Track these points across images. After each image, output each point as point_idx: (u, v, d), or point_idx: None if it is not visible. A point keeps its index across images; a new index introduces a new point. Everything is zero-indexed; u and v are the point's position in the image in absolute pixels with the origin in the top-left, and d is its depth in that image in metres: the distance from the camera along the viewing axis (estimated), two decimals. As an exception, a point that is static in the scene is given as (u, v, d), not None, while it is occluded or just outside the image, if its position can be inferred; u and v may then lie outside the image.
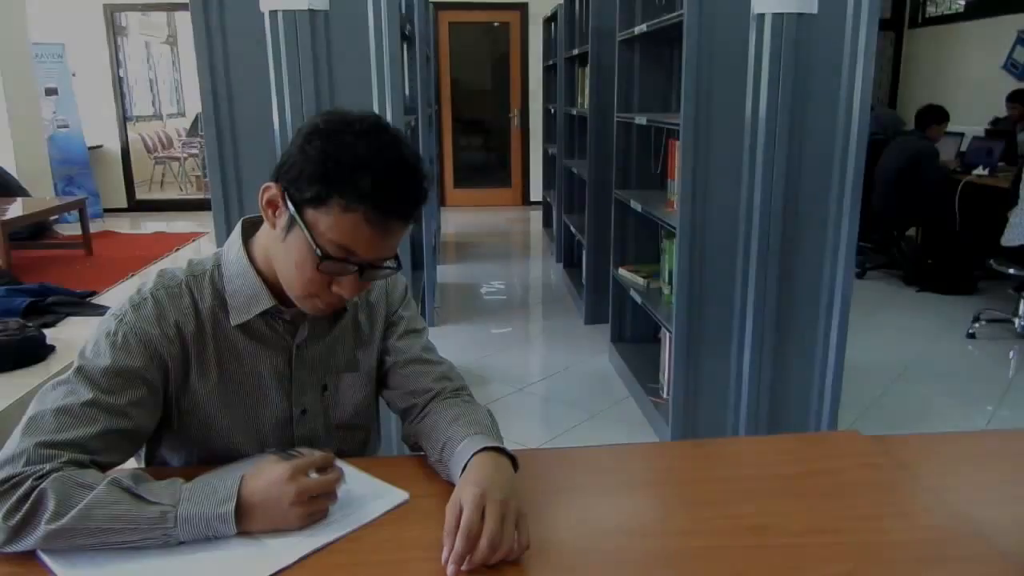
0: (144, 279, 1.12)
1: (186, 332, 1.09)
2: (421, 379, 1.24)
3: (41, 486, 0.91)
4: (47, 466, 0.93)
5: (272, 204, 1.04)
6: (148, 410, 1.07)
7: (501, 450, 1.06)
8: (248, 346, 1.13)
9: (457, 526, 0.92)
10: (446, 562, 0.90)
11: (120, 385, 1.02)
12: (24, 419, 0.99)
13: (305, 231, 1.00)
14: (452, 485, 1.03)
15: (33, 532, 0.90)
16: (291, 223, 1.02)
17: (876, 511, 1.06)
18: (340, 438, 1.25)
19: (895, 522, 1.04)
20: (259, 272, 1.11)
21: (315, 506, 0.99)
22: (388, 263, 1.07)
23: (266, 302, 1.11)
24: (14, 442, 0.96)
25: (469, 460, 1.03)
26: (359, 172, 0.97)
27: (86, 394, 1.00)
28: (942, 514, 1.05)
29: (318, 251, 1.00)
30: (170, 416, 1.12)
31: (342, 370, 1.23)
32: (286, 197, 1.02)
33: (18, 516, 0.90)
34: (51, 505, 0.90)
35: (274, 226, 1.05)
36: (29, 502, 0.90)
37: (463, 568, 0.90)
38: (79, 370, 1.02)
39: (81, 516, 0.90)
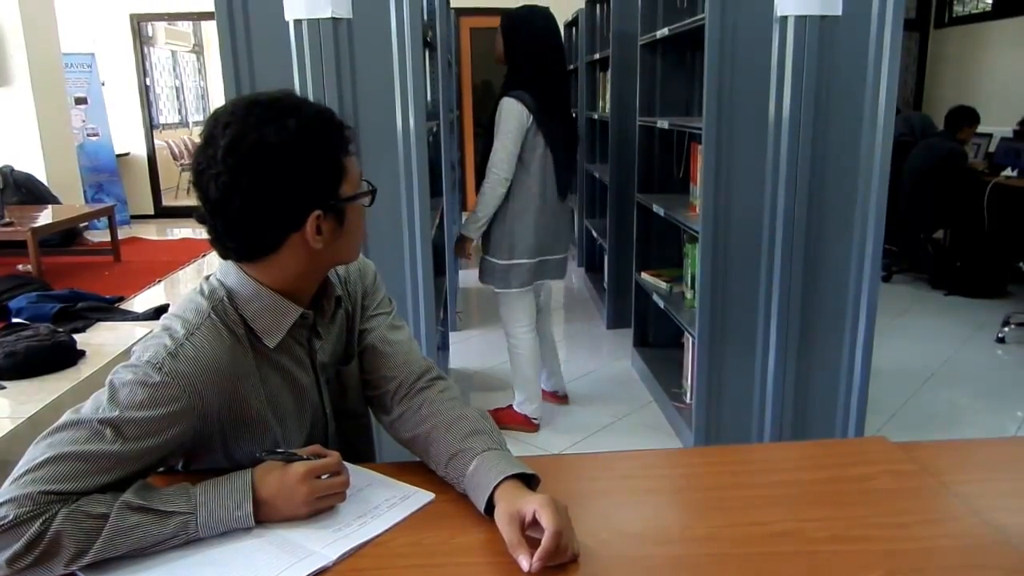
0: (168, 323, 1.07)
1: (227, 368, 1.06)
2: (381, 366, 1.24)
3: (52, 529, 0.89)
4: (54, 508, 0.90)
5: (316, 230, 1.05)
6: (167, 453, 1.03)
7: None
8: (284, 362, 1.14)
9: (520, 538, 0.94)
10: (528, 569, 0.91)
11: (150, 433, 0.98)
12: (37, 453, 0.93)
13: (357, 202, 1.10)
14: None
15: (48, 572, 0.90)
16: (342, 213, 1.08)
17: (904, 518, 1.05)
18: (347, 428, 1.29)
19: (923, 529, 1.02)
20: (274, 290, 1.10)
21: (323, 504, 1.03)
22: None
23: (294, 311, 1.11)
24: (20, 480, 0.91)
25: (498, 486, 1.02)
26: (327, 127, 1.05)
27: (112, 445, 0.95)
28: (971, 522, 1.04)
29: (369, 197, 1.13)
30: (212, 433, 1.08)
31: (341, 363, 1.25)
32: (328, 209, 1.05)
33: (27, 560, 0.88)
34: (70, 547, 0.89)
35: (327, 239, 1.06)
36: (39, 549, 0.88)
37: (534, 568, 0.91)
38: (110, 419, 0.96)
39: (103, 549, 0.91)
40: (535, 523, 0.95)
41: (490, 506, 1.01)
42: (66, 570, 0.91)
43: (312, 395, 1.20)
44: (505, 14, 2.92)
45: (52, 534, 0.89)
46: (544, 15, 2.93)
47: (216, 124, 1.01)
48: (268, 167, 1.00)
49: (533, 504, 0.96)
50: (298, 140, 1.01)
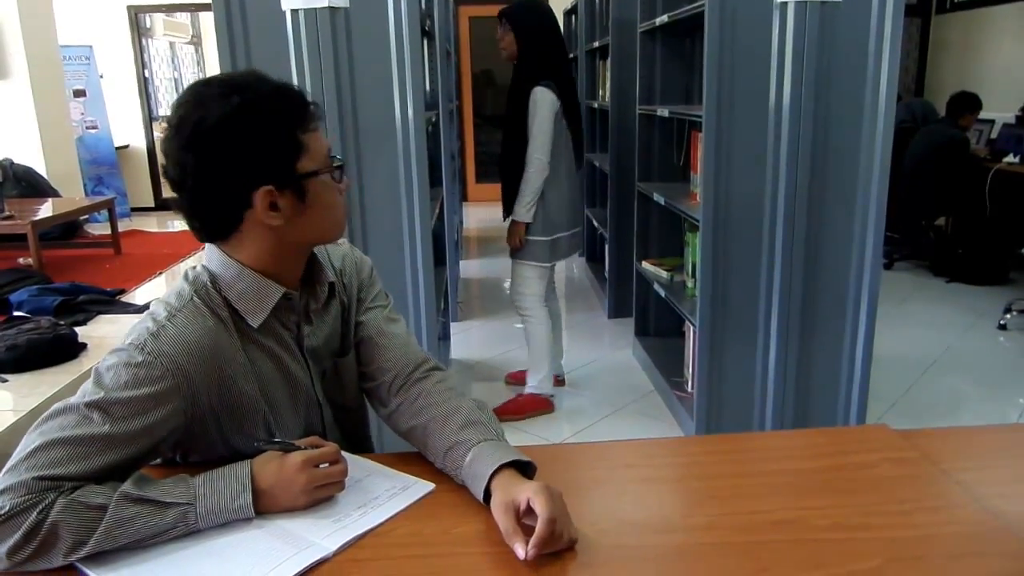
0: (152, 309, 1.07)
1: (211, 348, 1.05)
2: (377, 358, 1.24)
3: (50, 519, 0.89)
4: (50, 496, 0.91)
5: (270, 206, 1.04)
6: (158, 437, 1.02)
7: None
8: (271, 345, 1.14)
9: (515, 526, 0.94)
10: (524, 557, 0.91)
11: (137, 413, 0.98)
12: (28, 443, 0.94)
13: (320, 177, 1.07)
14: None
15: (48, 563, 0.90)
16: (303, 189, 1.06)
17: (905, 506, 1.05)
18: (346, 420, 1.29)
19: (925, 517, 1.02)
20: (256, 270, 1.09)
21: (322, 493, 1.04)
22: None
23: (277, 291, 1.10)
24: (14, 469, 0.92)
25: (494, 475, 1.02)
26: (280, 104, 1.04)
27: (101, 427, 0.95)
28: (973, 509, 1.04)
29: (336, 171, 1.10)
30: (205, 418, 1.08)
31: (337, 355, 1.25)
32: (283, 185, 1.04)
33: (26, 552, 0.89)
34: (68, 537, 0.90)
35: (287, 216, 1.05)
36: (38, 539, 0.89)
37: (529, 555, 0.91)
38: (97, 402, 0.96)
39: (102, 541, 0.91)
40: (531, 511, 0.95)
41: (488, 496, 1.01)
42: (65, 561, 0.91)
43: (304, 381, 1.19)
44: (513, 7, 3.04)
45: (50, 524, 0.89)
46: (546, 6, 3.11)
47: (175, 107, 1.03)
48: (209, 145, 1.00)
49: (527, 492, 0.96)
50: (239, 117, 1.00)
